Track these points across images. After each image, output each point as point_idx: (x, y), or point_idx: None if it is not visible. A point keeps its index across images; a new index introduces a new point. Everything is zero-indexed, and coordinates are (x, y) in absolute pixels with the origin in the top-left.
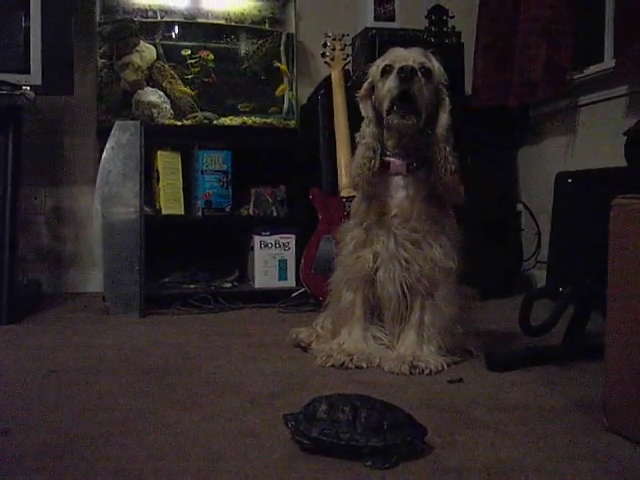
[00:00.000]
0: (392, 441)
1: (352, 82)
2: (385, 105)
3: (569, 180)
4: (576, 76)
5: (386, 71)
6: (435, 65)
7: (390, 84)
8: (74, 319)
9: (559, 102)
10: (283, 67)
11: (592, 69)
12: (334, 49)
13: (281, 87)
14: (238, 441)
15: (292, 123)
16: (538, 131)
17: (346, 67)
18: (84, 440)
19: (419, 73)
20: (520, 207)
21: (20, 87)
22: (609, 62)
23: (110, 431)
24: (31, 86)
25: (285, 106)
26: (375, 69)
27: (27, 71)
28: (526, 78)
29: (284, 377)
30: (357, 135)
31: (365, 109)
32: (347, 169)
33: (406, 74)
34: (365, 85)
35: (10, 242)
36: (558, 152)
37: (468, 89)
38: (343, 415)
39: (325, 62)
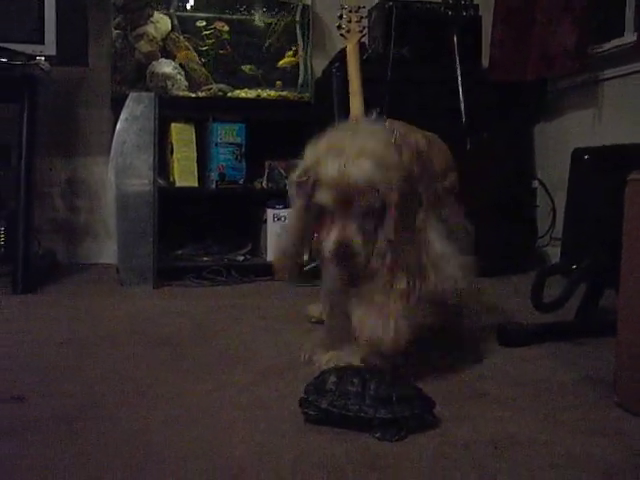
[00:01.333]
0: (401, 413)
1: (367, 55)
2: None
3: (585, 156)
4: (595, 50)
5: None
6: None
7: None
8: (88, 290)
9: (577, 77)
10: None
11: (612, 43)
12: (350, 21)
13: (284, 59)
14: (248, 411)
15: (306, 96)
16: (556, 106)
17: (362, 40)
18: (97, 407)
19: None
20: (536, 183)
21: (35, 58)
22: (629, 36)
23: (122, 399)
24: (46, 57)
25: (301, 78)
26: (311, 161)
27: (42, 42)
28: (545, 52)
29: (295, 350)
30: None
31: (297, 196)
32: None
33: (341, 257)
34: (299, 172)
35: (25, 213)
36: (575, 128)
37: (485, 62)
38: (352, 387)
39: (340, 34)
